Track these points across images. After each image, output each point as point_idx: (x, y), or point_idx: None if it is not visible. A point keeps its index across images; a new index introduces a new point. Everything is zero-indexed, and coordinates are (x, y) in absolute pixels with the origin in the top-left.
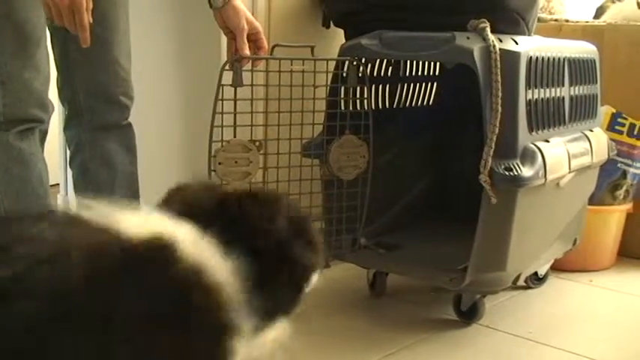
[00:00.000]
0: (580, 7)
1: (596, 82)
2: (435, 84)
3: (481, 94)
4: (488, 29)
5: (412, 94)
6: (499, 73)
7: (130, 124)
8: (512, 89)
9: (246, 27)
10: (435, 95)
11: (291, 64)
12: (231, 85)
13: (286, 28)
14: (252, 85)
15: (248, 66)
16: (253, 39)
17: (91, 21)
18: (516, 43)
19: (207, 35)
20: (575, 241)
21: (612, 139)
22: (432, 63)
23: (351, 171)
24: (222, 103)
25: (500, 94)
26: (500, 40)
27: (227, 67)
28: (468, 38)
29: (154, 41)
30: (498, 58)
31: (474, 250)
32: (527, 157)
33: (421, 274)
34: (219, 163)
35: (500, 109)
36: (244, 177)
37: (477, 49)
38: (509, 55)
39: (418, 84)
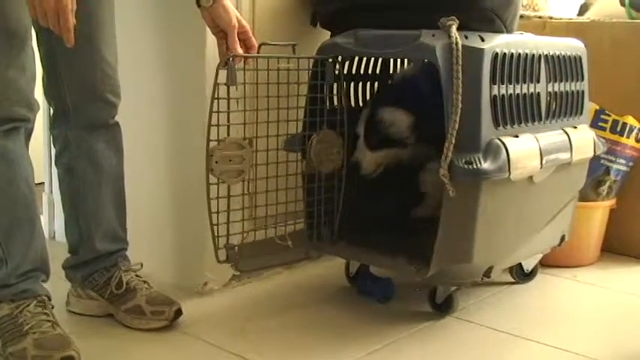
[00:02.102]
0: (564, 4)
1: (583, 79)
2: None
3: (443, 90)
4: (454, 27)
5: None
6: (460, 69)
7: (117, 124)
8: (475, 85)
9: (237, 24)
10: None
11: (278, 63)
12: (225, 84)
13: (272, 27)
14: (244, 83)
15: (239, 65)
16: (242, 38)
17: (75, 22)
18: (482, 40)
19: (193, 33)
20: (563, 237)
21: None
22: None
23: (329, 165)
24: (219, 102)
25: (460, 90)
26: (467, 37)
27: (222, 66)
28: (433, 36)
29: (140, 40)
30: (460, 55)
31: (437, 241)
32: (490, 151)
33: (389, 265)
34: (216, 162)
35: (460, 104)
36: (238, 175)
37: (439, 46)
38: (473, 52)
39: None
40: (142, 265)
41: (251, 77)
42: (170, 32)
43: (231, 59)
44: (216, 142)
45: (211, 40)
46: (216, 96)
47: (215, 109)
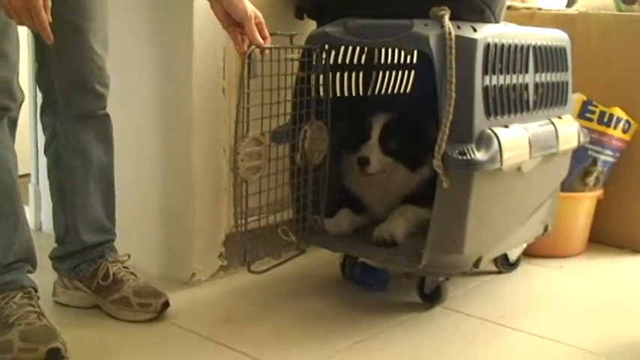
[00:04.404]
0: None
1: (567, 70)
2: (413, 72)
3: (436, 80)
4: (446, 16)
5: (388, 82)
6: (453, 59)
7: (107, 115)
8: (468, 75)
9: (252, 14)
10: (413, 83)
11: (285, 53)
12: (248, 77)
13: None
14: (262, 75)
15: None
16: (258, 28)
17: (51, 20)
18: (474, 31)
19: (182, 24)
20: (546, 227)
21: (583, 127)
22: (412, 51)
23: (318, 157)
24: (248, 96)
25: (454, 80)
26: (459, 27)
27: (245, 58)
28: (425, 25)
29: (131, 31)
30: (453, 45)
31: (430, 233)
32: (483, 141)
33: (380, 257)
34: (242, 160)
35: (454, 95)
36: (257, 172)
37: (433, 36)
38: (466, 42)
39: (394, 71)
40: (129, 257)
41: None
42: (159, 23)
43: (253, 51)
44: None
45: (199, 29)
46: (245, 90)
47: (245, 104)
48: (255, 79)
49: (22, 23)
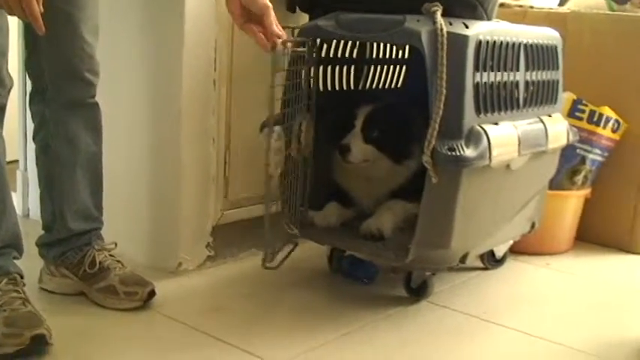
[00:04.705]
0: None
1: (558, 69)
2: (405, 67)
3: (427, 76)
4: (439, 12)
5: (379, 77)
6: (445, 56)
7: (96, 104)
8: (459, 72)
9: (270, 5)
10: (404, 78)
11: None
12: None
13: None
14: (284, 70)
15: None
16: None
17: (42, 10)
18: (466, 27)
19: (174, 14)
20: (533, 224)
21: (572, 126)
22: (403, 46)
23: (306, 150)
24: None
25: (444, 76)
26: (451, 24)
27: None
28: (418, 21)
29: (122, 20)
30: (445, 41)
31: (418, 228)
32: (472, 138)
33: (367, 250)
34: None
35: (444, 91)
36: (278, 166)
37: (425, 31)
38: (457, 39)
39: (386, 66)
40: (116, 245)
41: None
42: (149, 12)
43: (279, 44)
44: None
45: (190, 19)
46: (273, 84)
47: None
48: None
49: (12, 14)
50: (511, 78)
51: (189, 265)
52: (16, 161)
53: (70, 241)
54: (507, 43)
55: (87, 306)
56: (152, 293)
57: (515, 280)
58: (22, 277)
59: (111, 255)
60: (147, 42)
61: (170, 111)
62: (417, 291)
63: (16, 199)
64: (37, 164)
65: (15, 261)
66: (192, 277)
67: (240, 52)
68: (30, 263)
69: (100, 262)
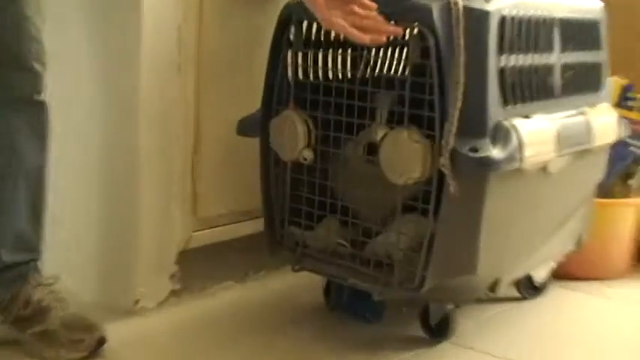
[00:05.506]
0: None
1: (601, 48)
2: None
3: (442, 61)
4: None
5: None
6: (461, 35)
7: (43, 102)
8: (479, 55)
9: None
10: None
11: None
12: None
13: None
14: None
15: None
16: None
17: None
18: (486, 1)
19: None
20: (579, 240)
21: (622, 117)
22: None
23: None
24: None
25: (462, 60)
26: None
27: None
28: None
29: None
30: (461, 18)
31: (435, 249)
32: (500, 135)
33: (373, 279)
34: None
35: (462, 79)
36: None
37: (436, 6)
38: (476, 15)
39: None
40: (57, 279)
41: None
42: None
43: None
44: None
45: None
46: None
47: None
48: None
49: None
50: (544, 61)
51: (148, 303)
52: None
53: (0, 275)
54: (538, 19)
55: (20, 359)
56: (102, 340)
57: (561, 314)
58: None
59: (51, 292)
60: (98, 26)
61: (125, 106)
62: (437, 329)
63: None
64: None
65: None
66: (153, 317)
67: (211, 30)
68: None
69: (37, 301)
